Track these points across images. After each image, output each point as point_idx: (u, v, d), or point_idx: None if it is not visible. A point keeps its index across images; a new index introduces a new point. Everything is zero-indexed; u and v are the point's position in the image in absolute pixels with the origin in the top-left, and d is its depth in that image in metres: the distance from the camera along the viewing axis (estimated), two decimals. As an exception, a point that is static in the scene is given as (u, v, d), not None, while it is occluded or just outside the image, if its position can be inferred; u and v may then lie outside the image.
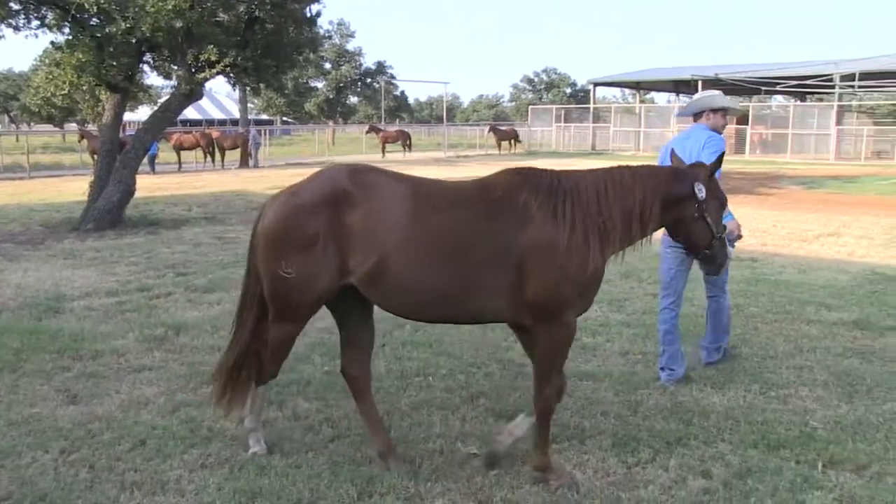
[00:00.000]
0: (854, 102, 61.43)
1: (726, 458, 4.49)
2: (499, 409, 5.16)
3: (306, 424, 4.91)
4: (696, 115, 6.04)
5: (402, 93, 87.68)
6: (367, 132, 43.29)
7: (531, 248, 3.87)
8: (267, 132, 38.76)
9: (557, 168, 4.45)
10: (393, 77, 71.37)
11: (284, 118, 69.60)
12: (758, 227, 13.83)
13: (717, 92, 6.17)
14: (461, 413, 5.11)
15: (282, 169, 29.87)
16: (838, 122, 46.02)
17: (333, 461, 4.40)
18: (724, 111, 5.97)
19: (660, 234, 4.54)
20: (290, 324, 4.18)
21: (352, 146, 51.21)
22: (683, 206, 4.17)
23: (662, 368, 5.82)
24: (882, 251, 11.52)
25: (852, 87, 40.29)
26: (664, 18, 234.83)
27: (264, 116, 67.83)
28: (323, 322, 7.14)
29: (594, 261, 3.98)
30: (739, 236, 5.73)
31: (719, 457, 4.51)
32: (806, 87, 45.79)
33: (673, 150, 4.70)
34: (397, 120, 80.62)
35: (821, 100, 57.96)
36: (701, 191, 4.16)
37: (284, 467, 4.30)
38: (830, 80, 40.16)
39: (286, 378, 5.68)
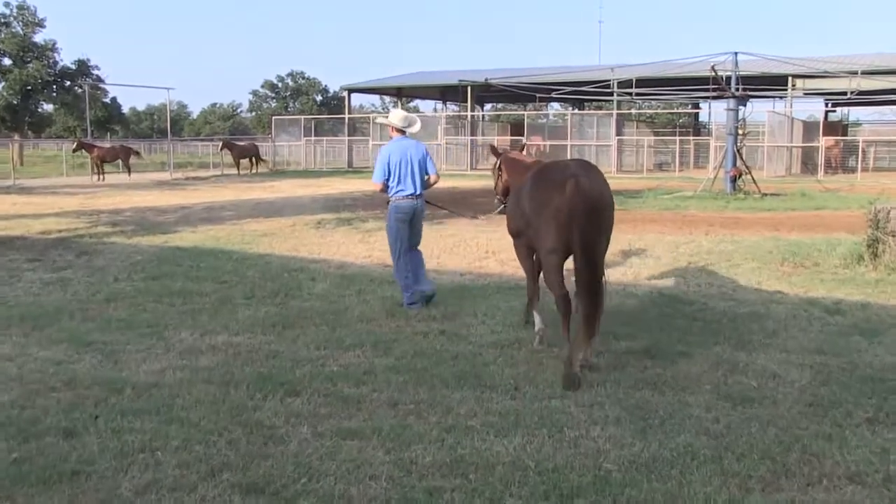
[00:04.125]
0: (633, 111, 66.68)
1: (514, 515, 4.65)
2: (247, 482, 5.03)
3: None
4: (400, 130, 10.11)
5: (114, 100, 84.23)
6: (76, 149, 40.55)
7: None
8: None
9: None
10: (101, 80, 68.17)
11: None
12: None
13: (399, 113, 10.24)
14: (199, 493, 4.93)
15: (-45, 199, 27.65)
16: (618, 132, 49.63)
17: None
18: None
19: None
20: None
21: (49, 167, 48.53)
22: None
23: (412, 303, 9.71)
24: (668, 271, 12.53)
25: (629, 94, 43.75)
26: (430, 27, 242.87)
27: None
28: (8, 395, 6.67)
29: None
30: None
31: (507, 515, 4.66)
32: (583, 94, 49.10)
33: (525, 145, 9.19)
34: (108, 133, 77.13)
35: (599, 108, 62.45)
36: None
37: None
38: (608, 86, 43.33)
39: (-35, 468, 5.21)
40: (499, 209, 9.89)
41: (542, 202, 7.44)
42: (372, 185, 10.28)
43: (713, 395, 6.68)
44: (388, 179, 9.96)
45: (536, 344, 8.17)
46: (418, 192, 10.06)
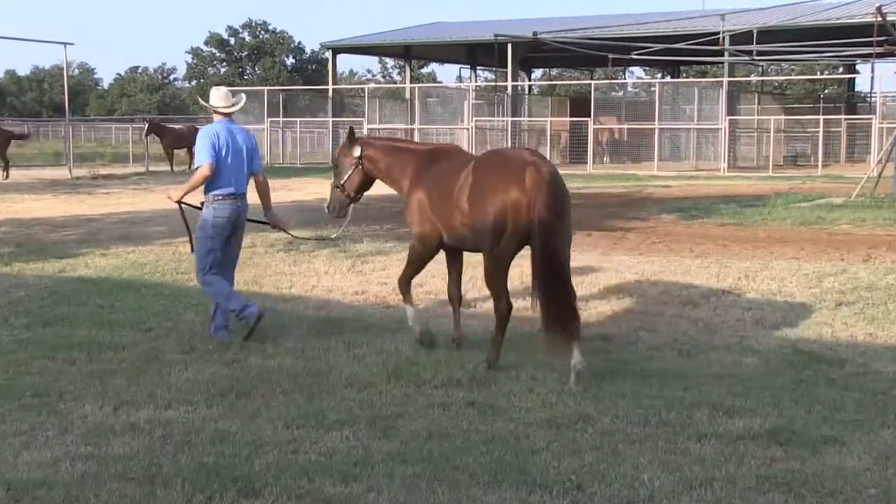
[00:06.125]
0: (753, 78, 66.42)
1: None
2: None
3: None
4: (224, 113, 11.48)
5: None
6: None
7: None
8: None
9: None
10: (-39, 30, 68.77)
11: None
12: (609, 283, 14.68)
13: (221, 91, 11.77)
14: None
15: None
16: (731, 110, 49.31)
17: None
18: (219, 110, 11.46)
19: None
20: None
21: None
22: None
23: (222, 328, 11.20)
24: (806, 316, 12.45)
25: (748, 52, 43.49)
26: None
27: None
28: None
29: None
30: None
31: None
32: (679, 54, 48.94)
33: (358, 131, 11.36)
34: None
35: (703, 74, 62.34)
36: None
37: None
38: (716, 41, 43.08)
39: None
40: (346, 222, 12.12)
41: (494, 195, 9.39)
42: (202, 172, 11.20)
43: None
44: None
45: (417, 335, 10.72)
46: (243, 192, 11.45)
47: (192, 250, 11.65)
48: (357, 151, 11.11)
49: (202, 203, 11.36)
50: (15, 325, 11.86)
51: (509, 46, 53.18)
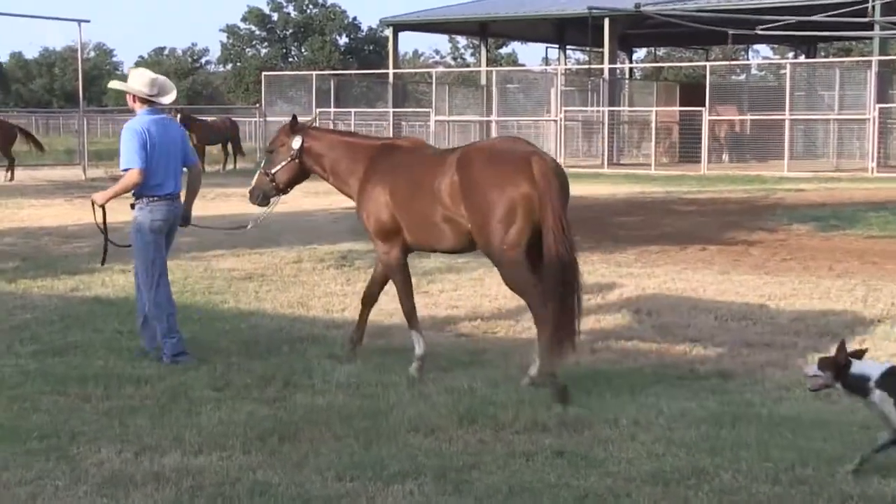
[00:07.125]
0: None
1: None
2: None
3: None
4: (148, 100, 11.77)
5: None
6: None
7: None
8: None
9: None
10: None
11: None
12: (728, 309, 14.59)
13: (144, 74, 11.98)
14: None
15: None
16: (882, 97, 48.57)
17: None
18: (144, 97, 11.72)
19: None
20: None
21: None
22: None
23: (178, 355, 11.68)
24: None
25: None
26: None
27: None
28: None
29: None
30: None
31: None
32: (815, 28, 48.50)
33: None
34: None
35: (846, 52, 61.85)
36: None
37: None
38: (864, 11, 42.66)
39: None
40: (268, 211, 12.82)
41: (502, 188, 10.21)
42: (131, 178, 11.71)
43: None
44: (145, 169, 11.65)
45: (413, 371, 11.08)
46: (179, 191, 12.15)
47: (103, 263, 12.79)
48: (297, 143, 11.69)
49: (132, 205, 11.89)
50: (20, 354, 11.98)
51: (606, 21, 53.05)
